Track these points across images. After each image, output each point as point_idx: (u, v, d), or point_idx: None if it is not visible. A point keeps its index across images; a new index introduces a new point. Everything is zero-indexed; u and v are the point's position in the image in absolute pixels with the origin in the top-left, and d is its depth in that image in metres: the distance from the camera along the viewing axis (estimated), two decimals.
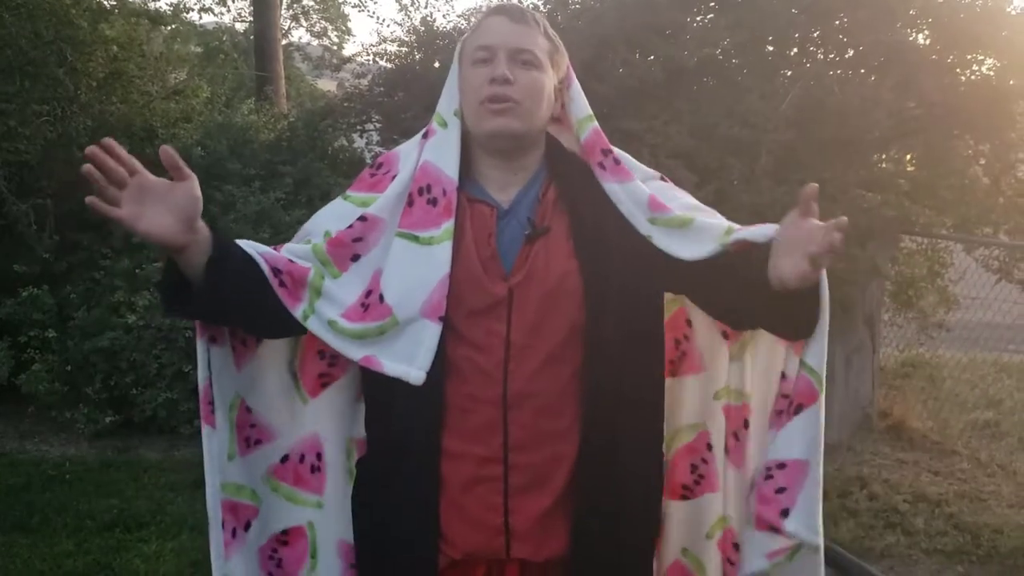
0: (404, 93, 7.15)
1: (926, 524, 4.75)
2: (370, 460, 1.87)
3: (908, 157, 6.42)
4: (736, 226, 1.74)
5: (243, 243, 1.74)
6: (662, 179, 1.90)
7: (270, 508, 1.90)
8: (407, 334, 1.70)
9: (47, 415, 5.98)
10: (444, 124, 1.81)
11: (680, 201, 1.84)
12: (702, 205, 1.87)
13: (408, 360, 1.69)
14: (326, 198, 6.30)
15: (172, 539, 4.34)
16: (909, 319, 6.84)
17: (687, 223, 1.75)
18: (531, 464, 1.72)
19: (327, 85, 14.29)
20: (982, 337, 7.21)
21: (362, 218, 1.77)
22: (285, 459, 1.89)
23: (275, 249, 1.79)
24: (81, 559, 4.11)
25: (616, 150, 1.84)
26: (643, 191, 1.78)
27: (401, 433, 1.75)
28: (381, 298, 1.73)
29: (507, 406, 1.70)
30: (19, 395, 5.94)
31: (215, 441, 1.81)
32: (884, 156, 6.39)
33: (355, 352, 1.73)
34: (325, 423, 1.91)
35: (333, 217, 1.84)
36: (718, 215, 1.84)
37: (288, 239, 5.79)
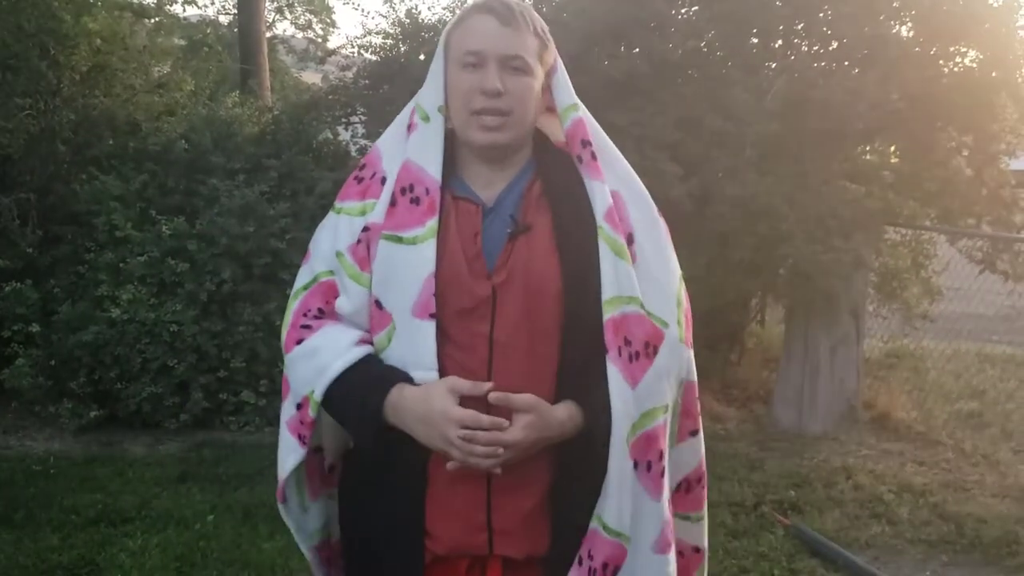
0: (389, 86, 7.15)
1: (911, 514, 4.79)
2: (359, 454, 1.87)
3: (892, 149, 6.46)
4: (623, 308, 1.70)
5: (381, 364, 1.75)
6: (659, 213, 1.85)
7: (332, 517, 1.95)
8: (405, 337, 1.70)
9: (31, 410, 5.96)
10: (427, 119, 1.78)
11: (647, 234, 1.79)
12: (672, 263, 1.82)
13: (413, 364, 1.70)
14: (311, 191, 6.34)
15: (157, 534, 4.32)
16: (893, 310, 6.87)
17: (621, 253, 1.72)
18: (513, 465, 1.70)
19: (312, 78, 14.24)
20: (966, 328, 7.25)
21: (365, 228, 1.76)
22: (332, 468, 1.93)
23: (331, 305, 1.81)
24: (66, 554, 4.09)
25: (599, 144, 1.79)
26: (606, 197, 1.75)
27: (390, 430, 1.73)
28: (379, 305, 1.73)
29: (489, 404, 1.68)
30: (2, 390, 5.92)
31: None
32: (868, 148, 6.43)
33: None
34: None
35: (334, 235, 1.81)
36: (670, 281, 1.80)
37: (272, 233, 5.73)
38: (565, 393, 1.72)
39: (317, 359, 1.73)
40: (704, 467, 1.94)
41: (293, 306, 1.83)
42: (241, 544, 4.22)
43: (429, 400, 1.64)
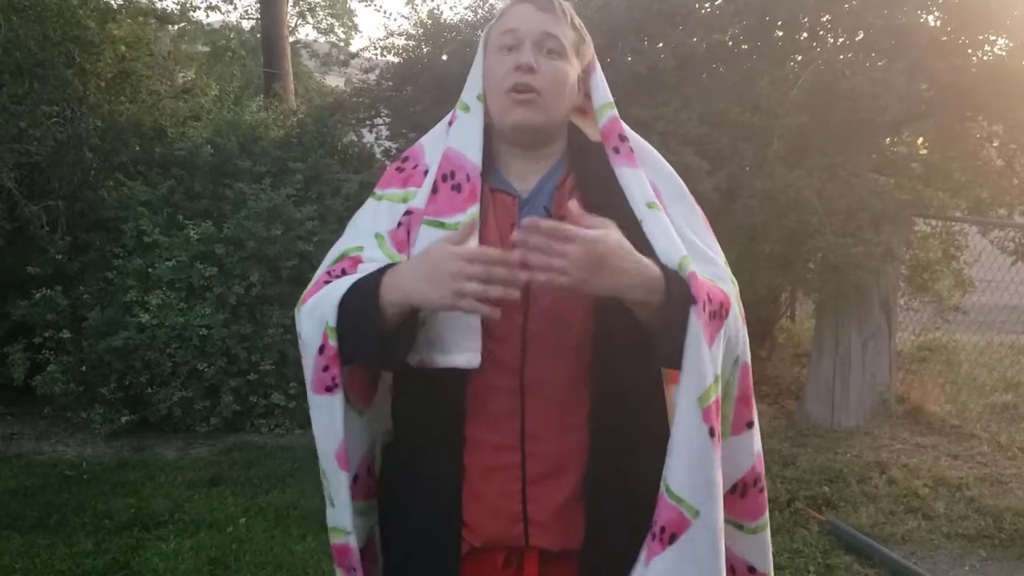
0: (412, 87, 7.15)
1: (947, 508, 4.73)
2: (396, 447, 1.88)
3: (920, 140, 6.40)
4: (686, 262, 1.64)
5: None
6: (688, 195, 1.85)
7: (352, 511, 1.87)
8: (444, 321, 1.68)
9: (63, 416, 6.01)
10: (467, 109, 1.80)
11: (688, 222, 1.79)
12: (709, 242, 1.82)
13: (456, 348, 1.66)
14: (336, 194, 6.36)
15: (190, 537, 4.35)
16: (925, 303, 6.81)
17: (679, 229, 1.72)
18: (547, 454, 1.71)
19: (335, 82, 14.31)
20: (998, 320, 7.16)
21: (407, 212, 1.77)
22: (355, 480, 1.85)
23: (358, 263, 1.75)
24: (100, 558, 4.11)
25: (636, 142, 1.81)
26: (644, 183, 1.75)
27: (425, 421, 1.75)
28: None
29: (523, 395, 1.69)
30: (35, 396, 5.97)
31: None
32: (896, 139, 6.36)
33: (413, 357, 1.69)
34: (378, 424, 1.91)
35: (374, 219, 1.81)
36: (713, 254, 1.79)
37: (299, 235, 5.76)
38: (598, 385, 1.70)
39: (331, 294, 1.67)
40: (762, 466, 1.82)
41: (317, 274, 1.79)
42: (273, 547, 4.23)
43: (428, 254, 1.58)
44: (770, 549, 1.88)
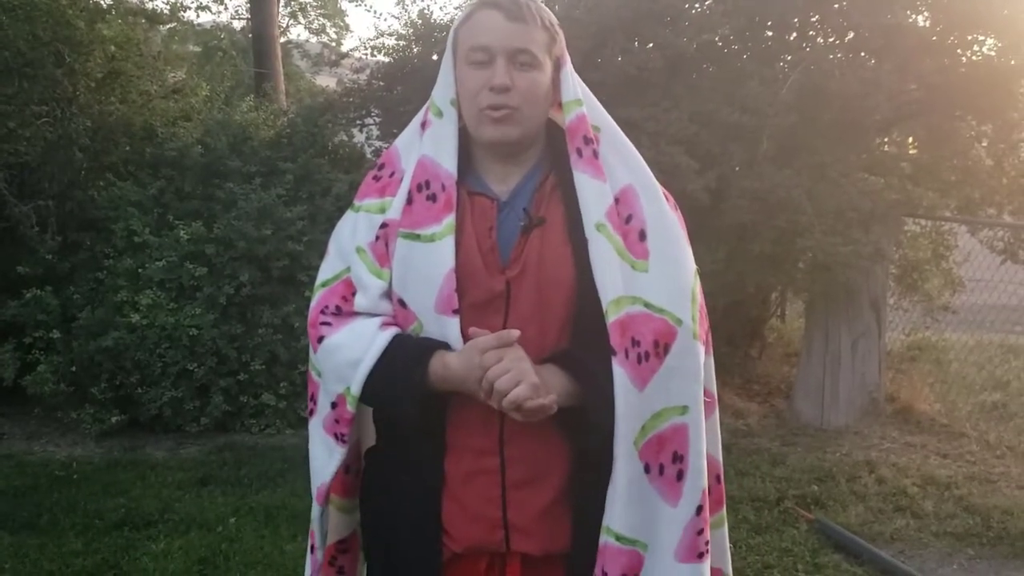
0: (403, 86, 7.16)
1: (935, 507, 4.75)
2: (378, 452, 1.88)
3: (910, 140, 6.43)
4: (636, 305, 1.67)
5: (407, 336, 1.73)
6: (666, 196, 1.79)
7: (327, 522, 1.93)
8: (433, 333, 1.70)
9: (53, 416, 5.99)
10: (440, 114, 1.77)
11: (660, 229, 1.74)
12: (678, 252, 1.76)
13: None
14: (327, 194, 6.35)
15: (180, 537, 4.34)
16: (915, 302, 6.83)
17: (622, 254, 1.69)
18: (527, 458, 1.71)
19: (326, 81, 14.30)
20: (988, 319, 7.20)
21: (383, 225, 1.76)
22: (334, 474, 1.88)
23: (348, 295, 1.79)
24: (90, 558, 4.11)
25: (608, 138, 1.77)
26: (608, 196, 1.72)
27: (407, 427, 1.74)
28: (403, 303, 1.72)
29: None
30: (25, 396, 5.95)
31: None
32: (886, 139, 6.39)
33: None
34: (365, 428, 1.92)
35: (353, 232, 1.81)
36: (682, 266, 1.74)
37: (289, 235, 5.74)
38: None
39: (345, 353, 1.71)
40: (715, 465, 1.85)
41: (312, 303, 1.82)
42: (263, 546, 4.23)
43: (470, 365, 1.64)
44: (727, 544, 1.92)
